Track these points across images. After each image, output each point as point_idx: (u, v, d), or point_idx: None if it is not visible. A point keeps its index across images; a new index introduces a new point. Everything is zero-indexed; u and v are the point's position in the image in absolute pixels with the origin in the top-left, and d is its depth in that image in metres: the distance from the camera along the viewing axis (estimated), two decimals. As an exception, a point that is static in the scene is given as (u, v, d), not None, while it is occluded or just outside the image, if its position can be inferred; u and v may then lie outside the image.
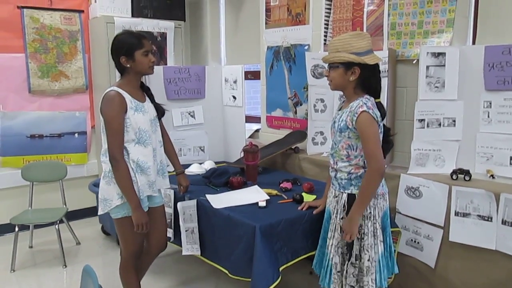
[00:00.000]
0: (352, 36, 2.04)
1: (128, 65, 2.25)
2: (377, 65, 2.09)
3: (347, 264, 2.11)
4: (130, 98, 2.25)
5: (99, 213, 2.36)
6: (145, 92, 2.42)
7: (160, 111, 2.47)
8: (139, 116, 2.26)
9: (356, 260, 2.10)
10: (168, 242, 2.87)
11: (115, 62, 2.28)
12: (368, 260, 2.08)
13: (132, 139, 2.25)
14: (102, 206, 2.30)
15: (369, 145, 1.99)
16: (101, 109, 2.22)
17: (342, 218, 2.11)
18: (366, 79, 2.05)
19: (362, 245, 2.09)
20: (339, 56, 2.03)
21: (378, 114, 2.03)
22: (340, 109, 2.22)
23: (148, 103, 2.38)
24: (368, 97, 2.07)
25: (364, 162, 2.07)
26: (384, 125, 2.12)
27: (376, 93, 2.11)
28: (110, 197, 2.26)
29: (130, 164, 2.25)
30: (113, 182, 2.23)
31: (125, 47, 2.23)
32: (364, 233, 2.08)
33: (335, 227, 2.15)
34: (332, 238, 2.16)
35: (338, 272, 2.14)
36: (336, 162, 2.14)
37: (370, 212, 2.08)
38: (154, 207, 2.46)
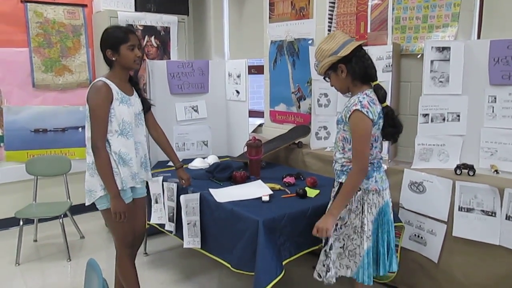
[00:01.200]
0: (323, 42, 2.12)
1: (113, 58, 2.28)
2: (358, 53, 2.07)
3: (322, 251, 2.17)
4: (117, 89, 2.29)
5: (86, 204, 2.39)
6: (133, 86, 2.45)
7: (146, 105, 2.50)
8: (123, 108, 2.29)
9: (330, 249, 2.14)
10: (170, 235, 2.89)
11: (103, 55, 2.32)
12: (338, 251, 2.13)
13: (115, 130, 2.27)
14: (88, 197, 2.34)
15: (356, 144, 2.03)
16: (87, 98, 2.26)
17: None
18: (354, 67, 2.06)
19: (338, 234, 2.14)
20: (322, 65, 2.11)
21: (376, 110, 2.02)
22: None
23: (135, 97, 2.41)
24: (368, 92, 2.06)
25: None
26: (387, 106, 2.10)
27: (371, 77, 2.10)
28: (94, 188, 2.30)
29: (112, 156, 2.28)
30: (96, 173, 2.27)
31: (111, 41, 2.27)
32: (344, 224, 2.13)
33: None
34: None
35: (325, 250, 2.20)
36: (335, 153, 2.19)
37: (357, 206, 2.10)
38: (136, 198, 2.48)
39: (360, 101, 2.00)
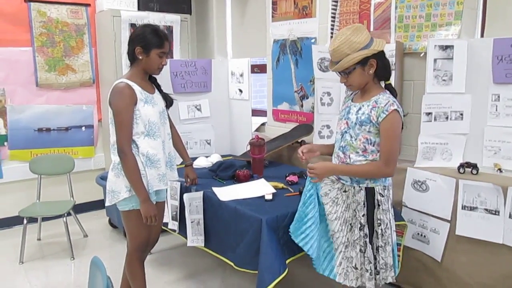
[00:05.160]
0: (351, 34, 1.97)
1: (140, 57, 2.24)
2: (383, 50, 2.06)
3: (365, 260, 2.10)
4: (140, 89, 2.24)
5: (106, 204, 2.35)
6: (153, 83, 2.41)
7: (169, 101, 2.45)
8: (149, 108, 2.25)
9: (374, 258, 2.09)
10: (173, 234, 2.89)
11: (129, 50, 2.27)
12: (389, 254, 2.10)
13: (141, 131, 2.23)
14: (110, 197, 2.29)
15: (392, 144, 1.98)
16: (110, 101, 2.21)
17: (363, 215, 2.08)
18: (382, 66, 2.03)
19: (386, 238, 2.09)
20: (352, 58, 1.97)
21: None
22: (350, 100, 2.17)
23: (157, 95, 2.37)
24: (388, 92, 2.05)
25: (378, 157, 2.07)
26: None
27: (389, 76, 2.10)
28: (118, 189, 2.26)
29: (140, 158, 2.23)
30: (121, 174, 2.23)
31: (146, 40, 2.22)
32: (386, 227, 2.09)
33: (353, 223, 2.10)
34: (342, 231, 2.13)
35: (354, 267, 2.10)
36: (349, 156, 2.08)
37: (385, 204, 2.09)
38: (158, 202, 2.43)
39: (394, 101, 1.98)
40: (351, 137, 2.08)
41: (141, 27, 2.31)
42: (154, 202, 2.33)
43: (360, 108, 2.06)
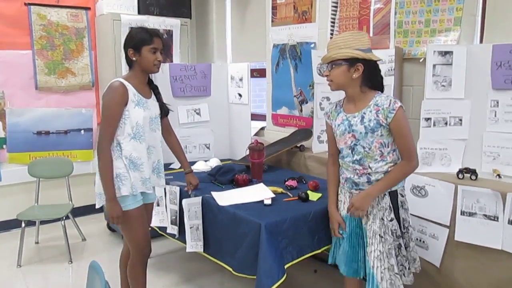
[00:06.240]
0: (353, 34, 2.03)
1: (134, 59, 2.26)
2: (375, 63, 2.08)
3: (403, 260, 2.13)
4: (134, 91, 2.25)
5: (96, 206, 2.39)
6: (152, 89, 2.41)
7: (164, 111, 2.46)
8: (139, 111, 2.25)
9: (404, 257, 2.13)
10: (172, 240, 2.88)
11: (125, 54, 2.30)
12: (413, 249, 2.17)
13: (128, 133, 2.23)
14: (98, 199, 2.33)
15: (409, 140, 2.02)
16: (103, 97, 2.24)
17: (391, 220, 2.07)
18: (371, 75, 2.04)
19: (409, 235, 2.14)
20: (343, 52, 1.99)
21: None
22: (341, 112, 2.15)
23: (152, 101, 2.37)
24: (380, 93, 2.07)
25: (398, 156, 2.08)
26: None
27: (382, 88, 2.11)
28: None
29: (123, 160, 2.23)
30: None
31: (135, 41, 2.25)
32: (409, 225, 2.14)
33: (384, 231, 2.07)
34: (374, 244, 2.07)
35: (396, 273, 2.07)
36: (368, 166, 2.07)
37: (406, 204, 2.13)
38: (146, 204, 2.42)
39: (394, 98, 2.01)
40: (364, 147, 2.07)
41: (130, 31, 2.34)
42: (141, 203, 2.33)
43: (363, 117, 2.05)
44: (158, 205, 2.91)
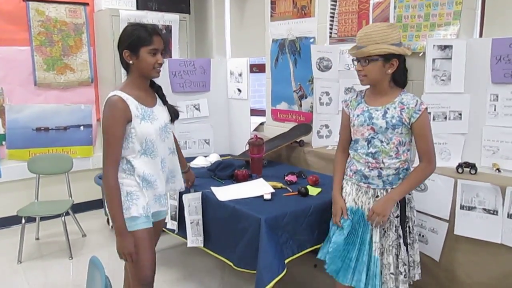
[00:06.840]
0: (387, 27, 1.97)
1: (130, 62, 1.94)
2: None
3: (399, 262, 2.08)
4: (137, 104, 1.94)
5: (111, 227, 2.13)
6: (155, 92, 2.12)
7: (174, 114, 2.17)
8: (146, 125, 1.96)
9: (406, 255, 2.09)
10: (173, 235, 2.88)
11: (120, 56, 1.98)
12: (416, 251, 2.15)
13: (138, 150, 1.96)
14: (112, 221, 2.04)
15: (429, 144, 2.01)
16: (102, 115, 1.96)
17: (397, 216, 2.07)
18: (400, 71, 2.03)
19: (412, 236, 2.12)
20: (381, 48, 1.94)
21: None
22: (363, 102, 2.11)
23: (158, 107, 2.07)
24: (405, 91, 2.06)
25: (410, 156, 2.08)
26: None
27: (405, 85, 2.10)
28: None
29: (136, 180, 1.97)
30: None
31: (131, 40, 1.92)
32: (414, 224, 2.14)
33: (387, 227, 2.06)
34: (377, 238, 2.06)
35: (391, 273, 2.05)
36: (382, 161, 2.04)
37: (412, 202, 2.13)
38: (156, 221, 2.16)
39: (421, 100, 2.01)
40: (382, 142, 2.04)
41: (124, 28, 1.99)
42: (151, 224, 2.05)
43: (386, 112, 2.03)
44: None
